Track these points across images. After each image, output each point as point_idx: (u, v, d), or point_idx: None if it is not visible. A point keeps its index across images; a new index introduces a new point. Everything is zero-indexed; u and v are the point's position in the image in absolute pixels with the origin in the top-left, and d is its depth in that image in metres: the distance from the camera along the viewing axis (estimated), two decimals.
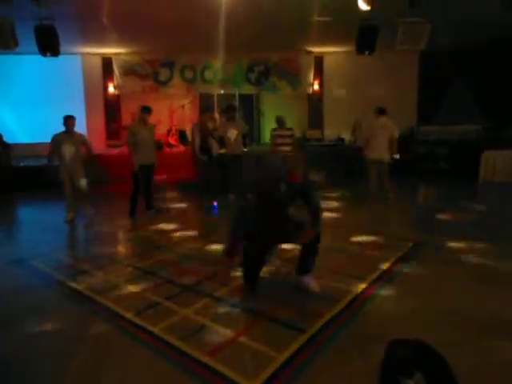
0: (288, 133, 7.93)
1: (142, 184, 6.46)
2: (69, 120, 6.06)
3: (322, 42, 10.13)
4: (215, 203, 6.99)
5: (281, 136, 7.84)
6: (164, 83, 10.86)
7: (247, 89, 11.37)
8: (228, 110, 7.85)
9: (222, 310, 3.17)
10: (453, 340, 2.59)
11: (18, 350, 2.71)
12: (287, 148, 7.82)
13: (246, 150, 8.03)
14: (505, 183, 8.40)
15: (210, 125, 7.37)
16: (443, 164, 9.64)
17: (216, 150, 7.23)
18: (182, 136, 10.48)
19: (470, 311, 3.05)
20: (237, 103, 11.01)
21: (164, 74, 10.81)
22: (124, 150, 9.25)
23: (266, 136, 11.20)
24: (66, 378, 2.39)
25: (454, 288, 3.50)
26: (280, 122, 7.96)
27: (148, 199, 6.65)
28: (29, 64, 9.89)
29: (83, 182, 6.15)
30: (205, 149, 7.18)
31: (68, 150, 6.04)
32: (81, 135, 6.42)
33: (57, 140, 6.08)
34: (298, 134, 8.72)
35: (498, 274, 3.80)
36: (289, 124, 8.28)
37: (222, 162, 7.73)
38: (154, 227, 5.88)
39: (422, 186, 9.01)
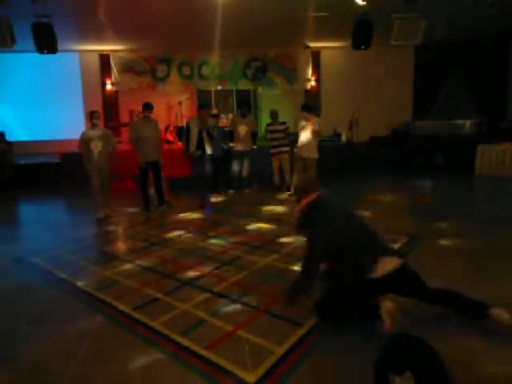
0: (282, 127, 7.89)
1: (147, 179, 6.62)
2: (94, 115, 6.11)
3: (319, 37, 10.15)
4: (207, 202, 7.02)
5: (275, 131, 7.86)
6: (162, 80, 10.87)
7: (244, 84, 11.38)
8: (242, 106, 7.99)
9: (221, 304, 3.22)
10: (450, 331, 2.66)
11: (19, 347, 2.75)
12: (283, 142, 7.85)
13: (254, 147, 8.06)
14: (500, 177, 8.45)
15: (210, 121, 7.34)
16: (438, 158, 9.70)
17: (209, 146, 7.20)
18: (180, 132, 10.50)
19: None
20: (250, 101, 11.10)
21: (161, 70, 10.82)
22: (123, 146, 9.29)
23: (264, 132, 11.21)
24: (66, 374, 2.43)
25: (450, 277, 3.55)
26: (273, 115, 7.94)
27: (159, 196, 6.80)
28: (27, 62, 9.87)
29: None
30: (199, 145, 7.12)
31: (96, 146, 6.06)
32: (107, 131, 6.48)
33: (85, 137, 6.09)
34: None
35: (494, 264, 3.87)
36: (286, 119, 8.30)
37: (217, 158, 7.79)
38: (152, 224, 5.93)
39: (417, 180, 9.04)
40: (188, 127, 6.97)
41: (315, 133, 7.05)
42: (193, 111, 10.40)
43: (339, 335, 2.71)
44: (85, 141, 6.08)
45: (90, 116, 6.17)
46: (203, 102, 7.88)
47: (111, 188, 6.52)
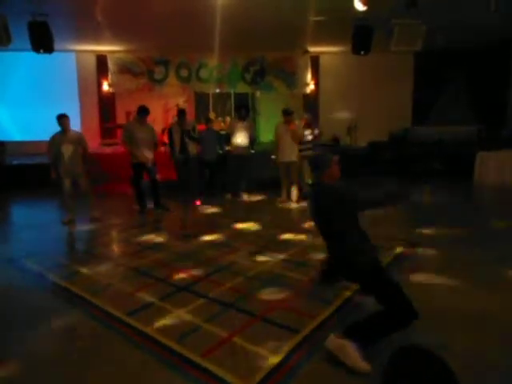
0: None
1: (139, 181, 6.59)
2: (63, 119, 5.96)
3: (318, 42, 10.14)
4: (198, 202, 6.98)
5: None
6: (159, 82, 10.82)
7: (243, 88, 11.36)
8: (240, 110, 7.95)
9: (216, 310, 3.15)
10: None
11: (11, 350, 2.69)
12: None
13: (252, 151, 7.98)
14: (499, 185, 8.44)
15: (188, 123, 7.33)
16: (437, 165, 9.69)
17: (192, 150, 7.16)
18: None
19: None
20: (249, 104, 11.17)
21: (159, 72, 10.77)
22: (119, 148, 9.25)
23: (262, 136, 11.18)
24: (58, 378, 2.37)
25: (444, 288, 3.51)
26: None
27: (155, 198, 6.75)
28: (22, 61, 9.80)
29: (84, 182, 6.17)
30: (182, 149, 7.13)
31: (66, 150, 5.97)
32: (77, 133, 6.37)
33: (54, 140, 6.00)
34: None
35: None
36: None
37: (218, 161, 7.76)
38: (146, 227, 5.86)
39: (415, 186, 9.02)
40: (171, 133, 7.19)
41: (298, 136, 7.09)
42: (190, 114, 10.35)
43: None
44: (55, 144, 5.98)
45: (58, 120, 5.96)
46: (182, 108, 7.85)
47: (94, 191, 6.47)
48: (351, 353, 2.35)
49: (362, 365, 2.33)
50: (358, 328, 2.46)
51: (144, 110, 6.48)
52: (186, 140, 7.13)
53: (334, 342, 2.43)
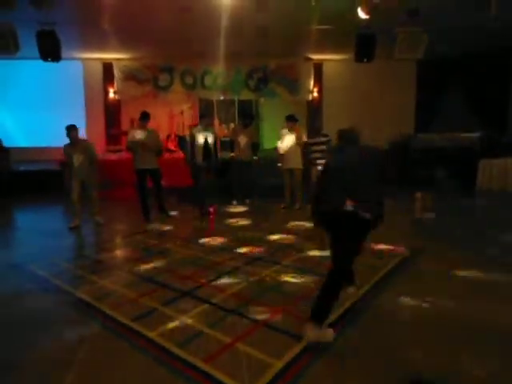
0: (323, 139, 7.25)
1: (143, 187, 6.62)
2: (71, 131, 6.18)
3: (322, 50, 10.21)
4: (211, 209, 6.98)
5: (315, 144, 7.28)
6: (164, 89, 10.91)
7: (246, 95, 11.43)
8: (244, 117, 8.00)
9: (219, 316, 3.17)
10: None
11: (17, 354, 2.71)
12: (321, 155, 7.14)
13: (255, 157, 8.02)
14: (501, 191, 8.43)
15: (211, 130, 7.28)
16: (440, 172, 9.68)
17: (214, 156, 7.05)
18: (181, 141, 10.51)
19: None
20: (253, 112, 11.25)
21: (164, 79, 10.86)
22: (123, 154, 9.32)
23: (266, 142, 11.23)
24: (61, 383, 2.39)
25: (451, 295, 3.52)
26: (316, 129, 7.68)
27: (159, 204, 6.80)
28: (30, 69, 9.93)
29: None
30: (205, 156, 6.87)
31: (77, 159, 6.21)
32: (85, 143, 6.51)
33: (67, 151, 6.25)
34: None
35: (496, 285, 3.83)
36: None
37: (222, 168, 7.78)
38: (152, 233, 5.90)
39: (418, 193, 8.98)
40: (193, 137, 6.81)
41: (301, 141, 7.16)
42: (195, 120, 10.42)
43: (341, 349, 2.67)
44: (68, 154, 6.22)
45: (66, 131, 6.17)
46: (205, 112, 7.86)
47: (99, 197, 6.59)
48: (327, 332, 2.76)
49: (330, 331, 2.78)
50: (320, 309, 2.76)
51: (145, 115, 6.58)
52: (210, 146, 6.89)
53: (313, 332, 2.70)
